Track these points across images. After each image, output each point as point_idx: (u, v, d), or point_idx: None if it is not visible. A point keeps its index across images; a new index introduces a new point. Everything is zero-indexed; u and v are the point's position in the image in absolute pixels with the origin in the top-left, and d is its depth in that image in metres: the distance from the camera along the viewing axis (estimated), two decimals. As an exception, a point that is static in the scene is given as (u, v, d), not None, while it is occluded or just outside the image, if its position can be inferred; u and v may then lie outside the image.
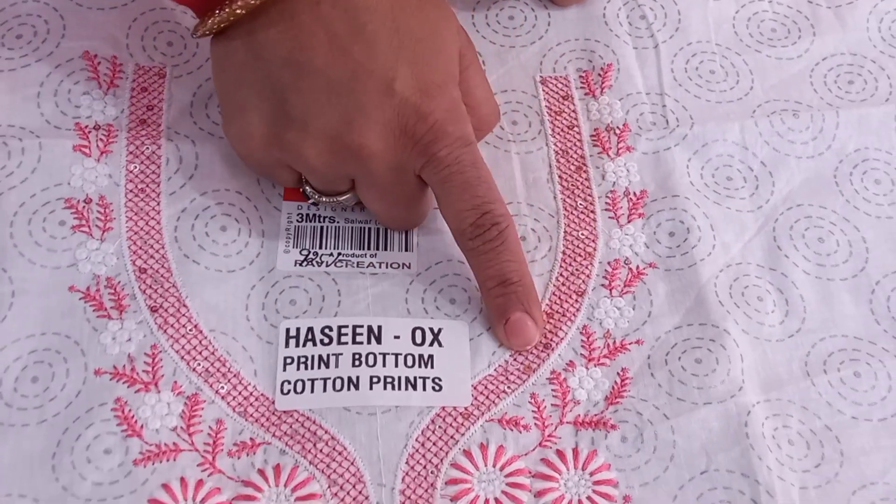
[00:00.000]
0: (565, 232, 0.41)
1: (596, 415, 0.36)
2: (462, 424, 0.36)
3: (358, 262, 0.39)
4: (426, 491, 0.34)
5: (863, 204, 0.42)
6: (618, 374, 0.37)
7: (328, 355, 0.37)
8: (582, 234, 0.41)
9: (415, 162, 0.37)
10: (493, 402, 0.37)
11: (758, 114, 0.44)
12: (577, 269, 0.40)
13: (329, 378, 0.36)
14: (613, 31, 0.47)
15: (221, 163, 0.41)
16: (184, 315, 0.37)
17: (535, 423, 0.36)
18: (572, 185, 0.42)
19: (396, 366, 0.37)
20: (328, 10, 0.35)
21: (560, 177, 0.42)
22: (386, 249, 0.40)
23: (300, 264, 0.39)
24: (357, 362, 0.37)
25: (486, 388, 0.37)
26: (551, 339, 0.38)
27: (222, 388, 0.36)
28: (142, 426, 0.35)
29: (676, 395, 0.37)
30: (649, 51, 0.46)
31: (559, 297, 0.39)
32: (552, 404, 0.37)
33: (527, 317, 0.37)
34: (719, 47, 0.47)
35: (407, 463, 0.35)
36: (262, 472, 0.34)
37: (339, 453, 0.35)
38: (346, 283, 0.39)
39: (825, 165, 0.43)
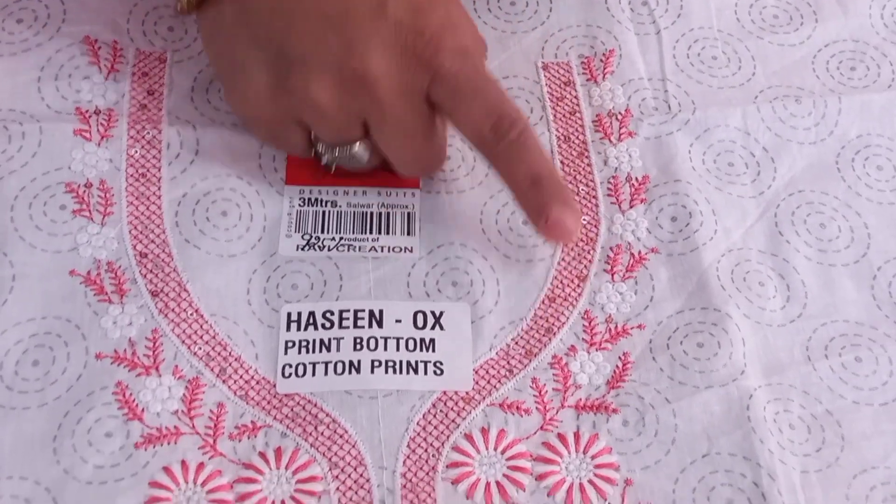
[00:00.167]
0: (567, 217, 0.41)
1: (597, 399, 0.36)
2: (463, 408, 0.36)
3: (360, 246, 0.39)
4: (427, 474, 0.34)
5: (865, 190, 0.42)
6: (619, 358, 0.37)
7: (329, 339, 0.37)
8: (584, 220, 0.41)
9: (421, 81, 0.36)
10: (495, 386, 0.36)
11: (760, 99, 0.44)
12: (579, 254, 0.40)
13: (330, 362, 0.36)
14: (615, 16, 0.47)
15: (223, 147, 0.41)
16: (185, 299, 0.37)
17: (537, 407, 0.36)
18: (574, 170, 0.42)
19: (398, 350, 0.37)
20: None
21: (562, 162, 0.42)
22: (388, 233, 0.40)
23: (302, 249, 0.39)
24: (358, 346, 0.37)
25: (487, 372, 0.37)
26: (553, 324, 0.38)
27: (223, 371, 0.36)
28: (143, 410, 0.35)
29: (678, 378, 0.37)
30: (651, 37, 0.46)
31: (561, 282, 0.39)
32: (553, 388, 0.37)
33: (566, 209, 0.37)
34: (721, 33, 0.47)
35: (408, 446, 0.35)
36: (263, 455, 0.34)
37: (340, 436, 0.35)
38: (347, 267, 0.39)
39: (827, 151, 0.43)
